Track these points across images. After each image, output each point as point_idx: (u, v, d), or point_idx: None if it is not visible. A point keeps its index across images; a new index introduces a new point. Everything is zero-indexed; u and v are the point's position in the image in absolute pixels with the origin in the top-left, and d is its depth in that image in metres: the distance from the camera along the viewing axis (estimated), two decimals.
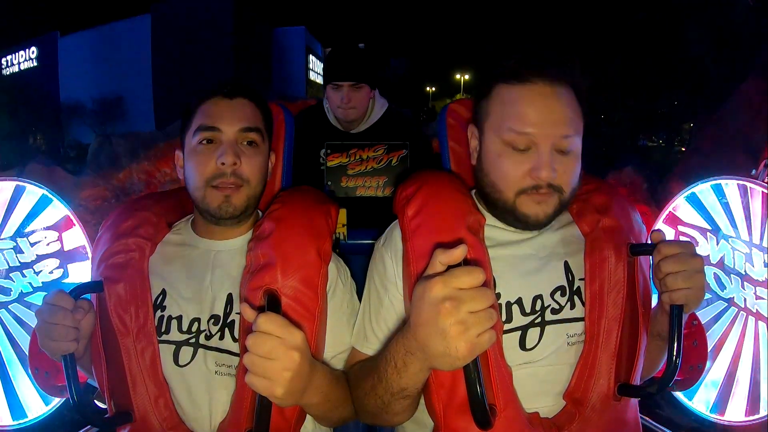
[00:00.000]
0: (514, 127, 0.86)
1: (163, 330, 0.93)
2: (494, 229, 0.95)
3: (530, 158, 0.86)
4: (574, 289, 0.92)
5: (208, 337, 0.92)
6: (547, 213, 0.89)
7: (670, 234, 1.32)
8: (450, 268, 0.68)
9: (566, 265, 0.94)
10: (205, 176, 0.94)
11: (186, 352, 0.92)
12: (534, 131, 0.85)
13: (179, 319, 0.93)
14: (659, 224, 1.35)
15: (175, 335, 0.93)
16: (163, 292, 0.96)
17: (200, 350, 0.92)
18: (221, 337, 0.92)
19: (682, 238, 1.31)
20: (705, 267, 0.85)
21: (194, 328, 0.93)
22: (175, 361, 0.92)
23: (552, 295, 0.91)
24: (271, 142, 1.05)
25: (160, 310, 0.94)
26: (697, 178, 1.32)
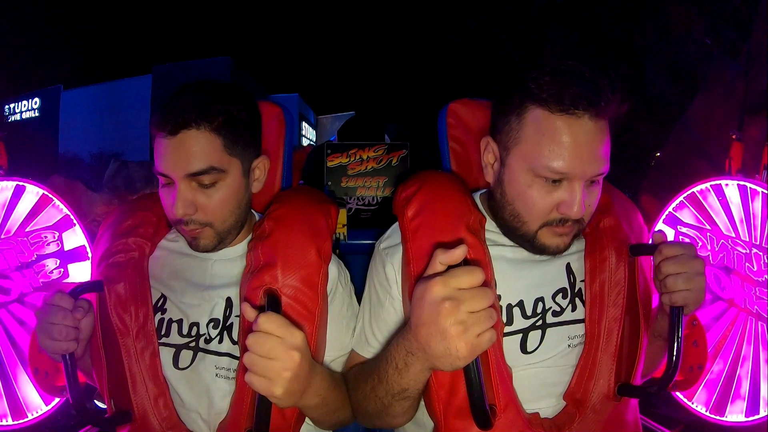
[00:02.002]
0: (552, 165, 0.80)
1: (163, 333, 0.93)
2: (496, 235, 0.95)
3: (561, 192, 0.82)
4: (576, 290, 0.92)
5: (208, 341, 0.92)
6: (566, 243, 0.88)
7: (670, 234, 1.32)
8: (450, 268, 0.68)
9: (568, 267, 0.93)
10: (171, 219, 0.93)
11: (186, 356, 0.92)
12: (572, 171, 0.80)
13: (180, 322, 0.93)
14: (659, 224, 1.35)
15: (175, 338, 0.93)
16: (163, 297, 0.96)
17: (200, 354, 0.92)
18: (220, 341, 0.92)
19: (682, 239, 1.31)
20: (705, 267, 0.85)
21: (194, 332, 0.93)
22: (175, 364, 0.91)
23: (553, 297, 0.91)
24: (259, 148, 0.97)
25: (160, 313, 0.94)
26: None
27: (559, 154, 0.79)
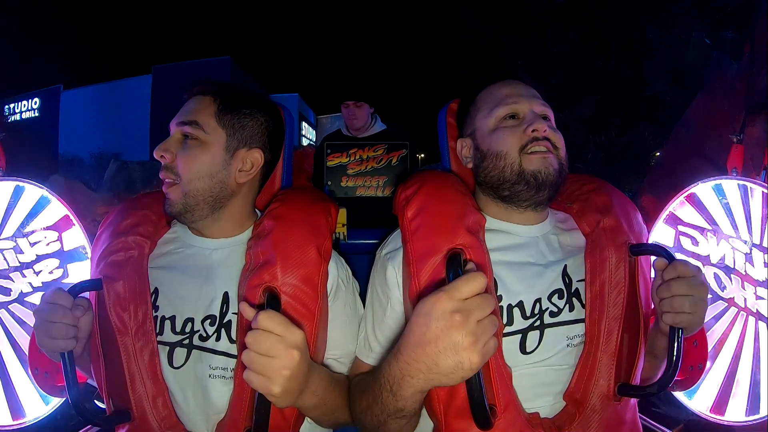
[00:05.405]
0: (503, 102, 0.97)
1: (156, 331, 0.92)
2: (495, 233, 0.95)
3: (522, 121, 0.96)
4: (573, 291, 0.92)
5: (203, 338, 0.91)
6: (552, 165, 0.92)
7: (670, 234, 1.32)
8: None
9: (564, 268, 0.94)
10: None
11: (180, 354, 0.91)
12: (518, 100, 0.97)
13: (172, 319, 0.93)
14: (659, 224, 1.35)
15: (168, 336, 0.92)
16: (156, 291, 0.95)
17: (194, 351, 0.91)
18: (217, 338, 0.91)
19: (682, 238, 1.31)
20: (705, 267, 0.85)
21: (188, 329, 0.92)
22: (170, 362, 0.91)
23: (549, 298, 0.91)
24: (257, 145, 0.99)
25: (153, 310, 0.93)
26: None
27: (507, 96, 0.98)
